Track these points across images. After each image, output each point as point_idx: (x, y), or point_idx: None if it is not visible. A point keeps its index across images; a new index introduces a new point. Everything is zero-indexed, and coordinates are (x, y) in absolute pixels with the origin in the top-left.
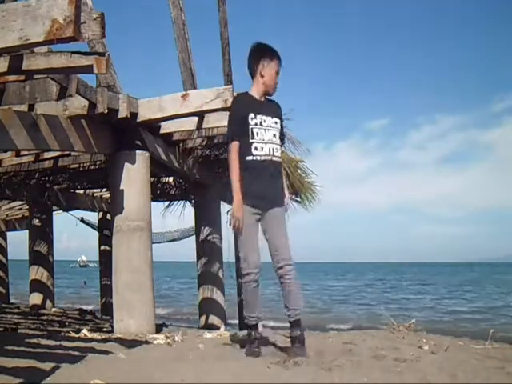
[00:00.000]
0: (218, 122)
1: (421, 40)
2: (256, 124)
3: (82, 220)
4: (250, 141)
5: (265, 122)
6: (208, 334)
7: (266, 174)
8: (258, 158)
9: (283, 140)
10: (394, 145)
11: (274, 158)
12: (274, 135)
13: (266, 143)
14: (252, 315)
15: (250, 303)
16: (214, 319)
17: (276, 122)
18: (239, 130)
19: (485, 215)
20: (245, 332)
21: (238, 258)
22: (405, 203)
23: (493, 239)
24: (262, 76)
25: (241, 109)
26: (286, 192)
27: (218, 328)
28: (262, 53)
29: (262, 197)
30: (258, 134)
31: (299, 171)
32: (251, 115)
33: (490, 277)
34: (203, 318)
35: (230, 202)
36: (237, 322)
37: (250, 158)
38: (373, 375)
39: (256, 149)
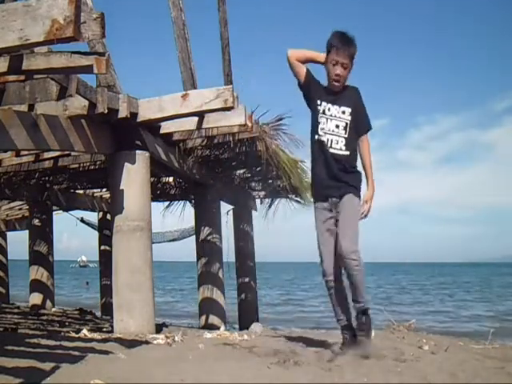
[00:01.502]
0: (218, 122)
1: (421, 40)
2: (319, 111)
3: (82, 220)
4: (316, 126)
5: (329, 110)
6: (208, 334)
7: (328, 164)
8: (319, 145)
9: (361, 128)
10: (394, 145)
11: (332, 150)
12: (337, 126)
13: (325, 133)
14: (338, 318)
15: (333, 307)
16: (213, 319)
17: (344, 112)
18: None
19: (485, 215)
20: (245, 332)
21: (237, 258)
22: (404, 203)
23: (493, 239)
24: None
25: (314, 85)
26: (370, 188)
27: (218, 328)
28: (328, 43)
29: (326, 186)
30: (321, 122)
31: (299, 171)
32: (317, 101)
33: (494, 277)
34: (203, 317)
35: (230, 202)
36: (237, 321)
37: (315, 137)
38: (373, 375)
39: (322, 129)
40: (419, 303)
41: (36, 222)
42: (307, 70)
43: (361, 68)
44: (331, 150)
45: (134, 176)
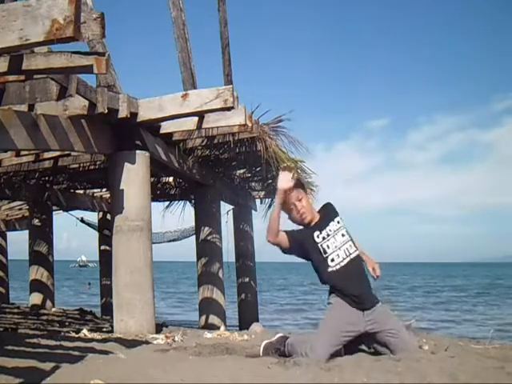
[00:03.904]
0: (218, 122)
1: (421, 40)
2: (324, 238)
3: (82, 220)
4: (324, 256)
5: (330, 230)
6: (208, 334)
7: (352, 275)
8: (338, 266)
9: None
10: (394, 145)
11: (352, 256)
12: (343, 235)
13: (338, 248)
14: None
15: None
16: (213, 319)
17: (338, 222)
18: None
19: (485, 215)
20: (245, 332)
21: (237, 258)
22: (405, 203)
23: (494, 239)
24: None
25: (301, 235)
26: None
27: (218, 328)
28: None
29: (360, 299)
30: (328, 246)
31: (299, 171)
32: (314, 238)
33: (496, 279)
34: (203, 318)
35: (230, 202)
36: (237, 321)
37: (330, 269)
38: (373, 375)
39: (332, 260)
40: (445, 309)
41: (36, 221)
42: (285, 232)
43: (361, 68)
44: (351, 256)
45: (134, 176)
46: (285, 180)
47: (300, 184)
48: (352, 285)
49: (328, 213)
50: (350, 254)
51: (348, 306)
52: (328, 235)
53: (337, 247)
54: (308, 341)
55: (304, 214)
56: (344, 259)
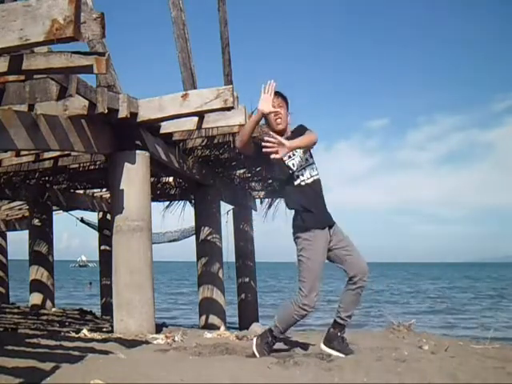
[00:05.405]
0: (218, 122)
1: (421, 39)
2: (289, 157)
3: (82, 220)
4: (290, 172)
5: (296, 151)
6: (208, 334)
7: (317, 194)
8: (304, 183)
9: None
10: (394, 145)
11: (315, 177)
12: (307, 159)
13: (305, 168)
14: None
15: (288, 325)
16: (213, 319)
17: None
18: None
19: (485, 215)
20: (245, 332)
21: (237, 258)
22: (405, 203)
23: (493, 239)
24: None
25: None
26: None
27: (218, 328)
28: None
29: (326, 216)
30: (294, 164)
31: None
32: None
33: (499, 280)
34: (203, 317)
35: (230, 202)
36: (237, 322)
37: (297, 183)
38: (373, 375)
39: (298, 177)
40: (447, 310)
41: (36, 221)
42: (254, 144)
43: (361, 67)
44: (314, 178)
45: (134, 176)
46: (266, 102)
47: (283, 96)
48: (319, 202)
49: (299, 135)
50: (313, 175)
51: (321, 232)
52: (294, 155)
53: (302, 166)
54: (298, 292)
55: (279, 120)
56: (309, 178)
